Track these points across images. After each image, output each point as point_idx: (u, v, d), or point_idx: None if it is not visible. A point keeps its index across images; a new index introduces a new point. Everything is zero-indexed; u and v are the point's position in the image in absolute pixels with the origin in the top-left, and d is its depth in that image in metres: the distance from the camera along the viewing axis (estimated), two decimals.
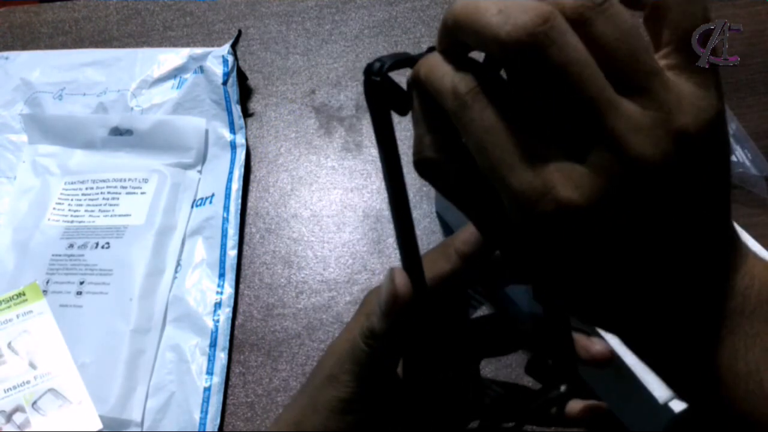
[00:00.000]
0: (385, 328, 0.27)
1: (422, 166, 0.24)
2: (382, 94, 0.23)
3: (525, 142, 0.20)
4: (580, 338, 0.30)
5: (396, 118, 0.23)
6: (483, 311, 0.31)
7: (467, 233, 0.30)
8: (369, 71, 0.22)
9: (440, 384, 0.31)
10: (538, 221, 0.20)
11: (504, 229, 0.23)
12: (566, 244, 0.21)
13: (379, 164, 0.63)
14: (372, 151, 0.63)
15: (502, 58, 0.20)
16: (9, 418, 0.50)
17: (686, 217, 0.21)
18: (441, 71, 0.22)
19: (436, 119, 0.23)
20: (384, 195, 0.61)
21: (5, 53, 0.71)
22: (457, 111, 0.21)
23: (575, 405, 0.32)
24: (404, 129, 0.57)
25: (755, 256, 0.24)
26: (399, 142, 0.23)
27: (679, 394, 0.25)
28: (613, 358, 0.30)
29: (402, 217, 0.25)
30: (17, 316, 0.54)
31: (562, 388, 0.30)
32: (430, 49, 0.23)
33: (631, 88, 0.20)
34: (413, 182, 0.62)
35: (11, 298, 0.55)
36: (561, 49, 0.19)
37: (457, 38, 0.22)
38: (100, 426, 0.49)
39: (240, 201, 0.60)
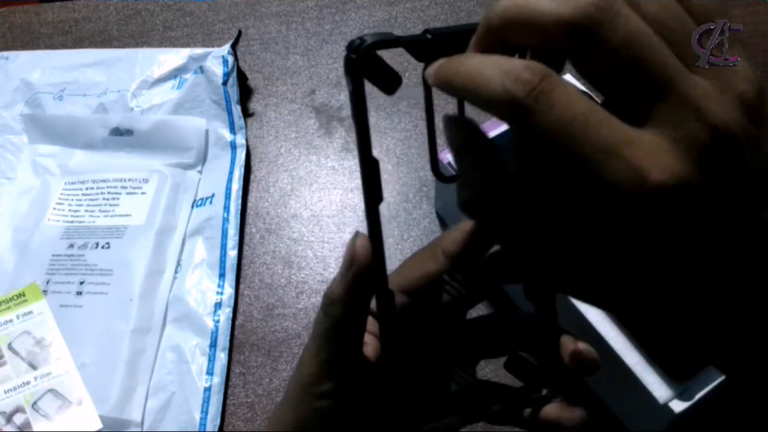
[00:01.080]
0: (342, 292, 0.27)
1: (467, 209, 0.24)
2: (357, 71, 0.23)
3: (606, 129, 0.19)
4: (566, 341, 0.29)
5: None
6: (468, 302, 0.31)
7: (456, 233, 0.30)
8: (349, 48, 0.23)
9: (423, 384, 0.30)
10: (634, 210, 0.20)
11: (545, 244, 0.22)
12: (656, 229, 0.20)
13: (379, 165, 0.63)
14: (372, 151, 0.63)
15: (566, 42, 0.20)
16: (9, 418, 0.50)
17: (759, 185, 0.21)
18: (489, 71, 0.20)
19: (482, 159, 0.23)
20: (383, 195, 0.61)
21: (5, 53, 0.71)
22: (528, 104, 0.19)
23: (550, 409, 0.30)
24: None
25: None
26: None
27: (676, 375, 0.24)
28: (599, 366, 0.29)
29: (370, 190, 0.25)
30: (17, 317, 0.54)
31: (544, 391, 0.30)
32: (426, 32, 0.23)
33: (691, 60, 0.20)
34: (413, 182, 0.62)
35: (11, 299, 0.55)
36: (628, 19, 0.19)
37: (503, 38, 0.21)
38: (100, 426, 0.49)
39: (240, 201, 0.60)
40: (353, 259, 0.26)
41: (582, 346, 0.28)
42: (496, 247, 0.30)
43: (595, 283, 0.23)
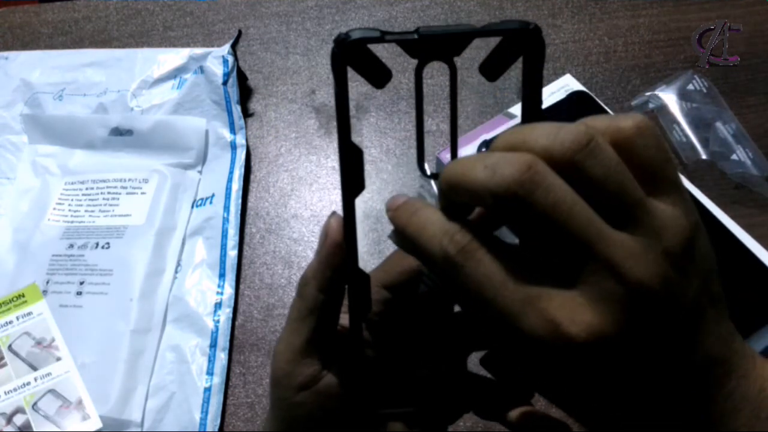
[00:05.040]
0: (316, 269, 0.28)
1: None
2: (340, 64, 0.24)
3: (525, 284, 0.22)
4: None
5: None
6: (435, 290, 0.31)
7: None
8: (335, 41, 0.24)
9: (421, 380, 0.30)
10: (548, 355, 0.22)
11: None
12: (572, 370, 0.22)
13: (379, 165, 0.63)
14: (372, 151, 0.63)
15: (496, 208, 0.22)
16: (9, 419, 0.50)
17: (686, 331, 0.22)
18: (431, 226, 0.24)
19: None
20: (384, 195, 0.61)
21: (5, 53, 0.71)
22: (458, 261, 0.22)
23: (516, 411, 0.31)
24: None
25: (763, 360, 0.25)
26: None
27: None
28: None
29: (350, 178, 0.26)
30: (17, 318, 0.54)
31: (514, 390, 0.30)
32: (416, 31, 0.24)
33: (621, 219, 0.22)
34: (413, 182, 0.62)
35: (11, 300, 0.55)
36: (547, 191, 0.21)
37: (454, 199, 0.24)
38: (100, 426, 0.49)
39: (240, 201, 0.60)
40: (326, 236, 0.27)
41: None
42: None
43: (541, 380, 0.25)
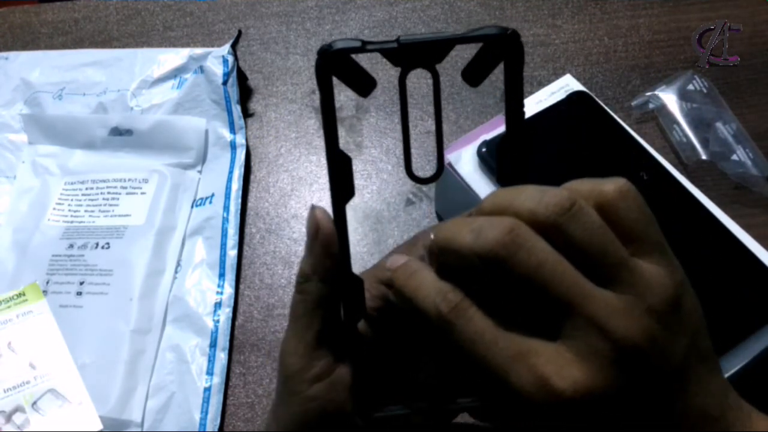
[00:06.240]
0: (314, 264, 0.28)
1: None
2: (324, 73, 0.25)
3: (515, 341, 0.23)
4: None
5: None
6: None
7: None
8: (318, 52, 0.25)
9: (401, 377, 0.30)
10: (537, 411, 0.22)
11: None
12: (560, 426, 0.23)
13: (379, 165, 0.63)
14: (372, 151, 0.63)
15: (482, 268, 0.23)
16: (9, 418, 0.50)
17: (675, 388, 0.23)
18: (426, 287, 0.25)
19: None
20: (383, 196, 0.61)
21: (5, 53, 0.71)
22: (450, 319, 0.24)
23: None
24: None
25: (758, 415, 0.25)
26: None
27: None
28: None
29: (339, 185, 0.27)
30: (17, 316, 0.54)
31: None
32: (397, 40, 0.25)
33: (604, 279, 0.22)
34: (413, 183, 0.62)
35: (11, 298, 0.55)
36: (529, 253, 0.22)
37: (445, 260, 0.25)
38: (100, 426, 0.49)
39: (240, 201, 0.60)
40: (318, 229, 0.28)
41: None
42: None
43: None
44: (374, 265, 0.31)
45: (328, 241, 0.27)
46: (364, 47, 0.25)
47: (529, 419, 0.23)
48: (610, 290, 0.22)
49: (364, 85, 0.26)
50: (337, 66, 0.25)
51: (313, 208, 0.28)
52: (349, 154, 0.27)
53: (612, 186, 0.23)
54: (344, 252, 0.27)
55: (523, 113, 0.26)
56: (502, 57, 0.25)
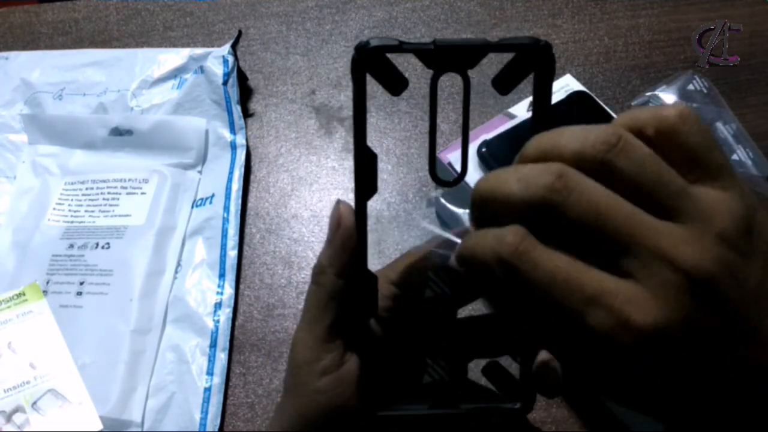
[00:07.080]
0: (332, 256, 0.28)
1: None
2: (359, 69, 0.25)
3: (587, 282, 0.21)
4: (543, 354, 0.29)
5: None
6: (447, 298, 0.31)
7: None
8: (356, 48, 0.25)
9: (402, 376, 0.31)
10: (619, 351, 0.21)
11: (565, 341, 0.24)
12: (641, 364, 0.22)
13: (379, 165, 0.63)
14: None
15: (533, 218, 0.22)
16: (9, 418, 0.50)
17: (755, 313, 0.22)
18: (483, 238, 0.23)
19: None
20: (383, 195, 0.61)
21: (5, 53, 0.71)
22: (513, 263, 0.22)
23: None
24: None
25: None
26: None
27: None
28: (560, 387, 0.29)
29: (364, 181, 0.27)
30: (17, 316, 0.54)
31: (517, 404, 0.30)
32: (433, 42, 0.25)
33: (664, 211, 0.22)
34: (413, 182, 0.62)
35: (11, 298, 0.55)
36: (581, 194, 0.21)
37: (488, 212, 0.24)
38: (100, 426, 0.49)
39: (240, 201, 0.60)
40: (339, 223, 0.28)
41: (550, 360, 0.29)
42: None
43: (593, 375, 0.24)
44: (383, 267, 0.31)
45: (348, 235, 0.28)
46: (401, 46, 0.25)
47: (606, 361, 0.22)
48: (674, 222, 0.22)
49: (396, 84, 0.26)
50: (372, 63, 0.25)
51: (338, 202, 0.28)
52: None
53: (672, 110, 0.23)
54: (362, 247, 0.28)
55: (550, 123, 0.26)
56: (533, 67, 0.25)
